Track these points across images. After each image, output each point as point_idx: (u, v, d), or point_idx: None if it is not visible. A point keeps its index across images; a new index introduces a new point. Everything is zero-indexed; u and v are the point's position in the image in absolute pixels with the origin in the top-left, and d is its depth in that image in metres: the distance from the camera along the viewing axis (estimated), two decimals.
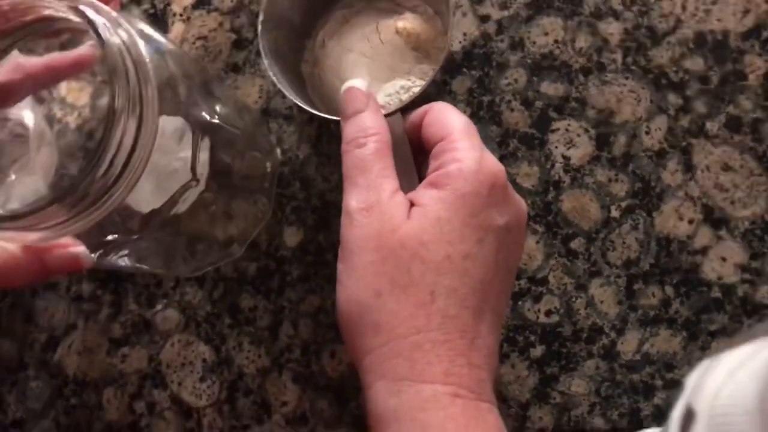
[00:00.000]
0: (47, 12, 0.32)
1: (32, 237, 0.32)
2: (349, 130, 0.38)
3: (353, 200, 0.36)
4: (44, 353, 0.50)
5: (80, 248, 0.32)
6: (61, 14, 0.32)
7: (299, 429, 0.48)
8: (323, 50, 0.47)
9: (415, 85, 0.45)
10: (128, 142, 0.32)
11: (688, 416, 0.27)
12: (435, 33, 0.46)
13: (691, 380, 0.29)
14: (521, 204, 0.37)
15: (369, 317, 0.34)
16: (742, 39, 0.47)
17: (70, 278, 0.50)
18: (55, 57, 0.35)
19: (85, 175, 0.30)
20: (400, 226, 0.34)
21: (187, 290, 0.49)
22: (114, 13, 0.33)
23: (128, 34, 0.32)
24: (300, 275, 0.49)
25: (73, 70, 0.37)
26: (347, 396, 0.47)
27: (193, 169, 0.37)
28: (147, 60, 0.32)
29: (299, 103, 0.42)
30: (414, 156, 0.39)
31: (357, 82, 0.41)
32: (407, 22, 0.45)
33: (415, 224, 0.34)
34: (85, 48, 0.37)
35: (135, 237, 0.38)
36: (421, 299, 0.34)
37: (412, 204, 0.36)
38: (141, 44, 0.33)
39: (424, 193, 0.36)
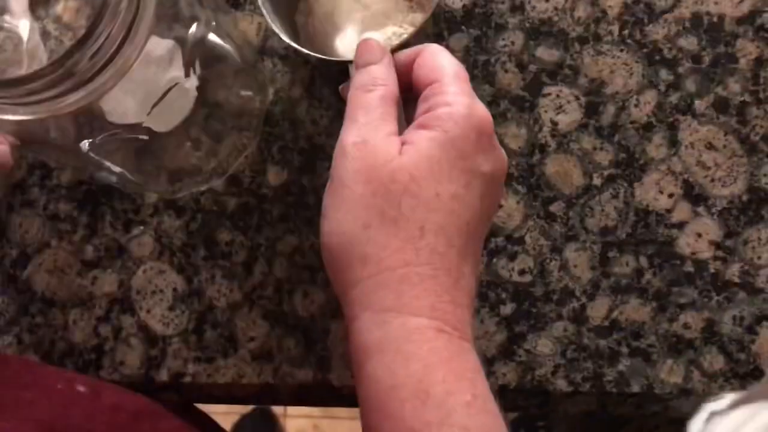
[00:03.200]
0: None
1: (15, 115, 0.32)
2: (361, 78, 0.38)
3: (351, 136, 0.36)
4: (14, 269, 0.50)
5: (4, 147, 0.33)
6: None
7: (264, 365, 0.47)
8: (317, 0, 0.47)
9: (407, 32, 0.45)
10: (121, 29, 0.32)
11: None
12: None
13: (694, 427, 0.29)
14: (504, 155, 0.37)
15: (357, 249, 0.34)
16: (736, 23, 0.48)
17: (48, 196, 0.50)
18: None
19: (73, 51, 0.30)
20: (391, 161, 0.35)
21: (164, 219, 0.49)
22: None
23: None
24: (280, 214, 0.49)
25: None
26: (315, 337, 0.47)
27: (186, 66, 0.36)
28: None
29: (293, 45, 0.42)
30: (402, 96, 0.40)
31: (375, 35, 0.41)
32: None
33: (406, 159, 0.35)
34: None
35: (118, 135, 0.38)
36: (411, 233, 0.34)
37: (403, 144, 0.36)
38: None
39: (414, 133, 0.36)
